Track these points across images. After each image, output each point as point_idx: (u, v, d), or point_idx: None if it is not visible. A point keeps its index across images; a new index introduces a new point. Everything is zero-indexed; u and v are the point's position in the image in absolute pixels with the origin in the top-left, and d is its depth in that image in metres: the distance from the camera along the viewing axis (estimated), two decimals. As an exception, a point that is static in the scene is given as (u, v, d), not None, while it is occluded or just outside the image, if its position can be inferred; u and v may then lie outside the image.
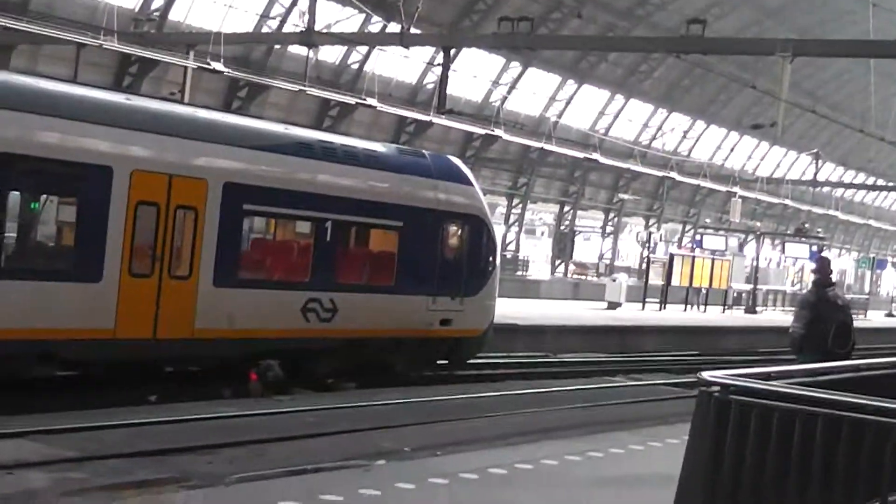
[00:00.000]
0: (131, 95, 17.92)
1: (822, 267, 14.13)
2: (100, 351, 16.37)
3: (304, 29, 30.29)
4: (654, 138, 69.21)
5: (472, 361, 23.79)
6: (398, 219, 20.82)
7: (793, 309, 55.17)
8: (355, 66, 50.42)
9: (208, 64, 31.47)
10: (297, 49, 42.77)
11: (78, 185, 16.13)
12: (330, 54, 49.42)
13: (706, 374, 6.85)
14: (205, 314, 17.46)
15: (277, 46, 46.30)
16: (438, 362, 22.73)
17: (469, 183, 22.76)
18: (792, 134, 69.74)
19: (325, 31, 32.79)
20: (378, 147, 21.77)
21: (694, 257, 48.91)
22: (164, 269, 16.98)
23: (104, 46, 30.98)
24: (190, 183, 17.33)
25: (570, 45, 39.89)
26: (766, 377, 7.23)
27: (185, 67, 32.08)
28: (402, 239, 20.92)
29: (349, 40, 33.43)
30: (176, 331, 17.15)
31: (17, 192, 15.83)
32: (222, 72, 31.90)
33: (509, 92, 58.29)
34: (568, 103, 62.15)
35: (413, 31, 29.86)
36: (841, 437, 6.29)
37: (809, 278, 78.96)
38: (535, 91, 60.32)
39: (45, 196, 16.44)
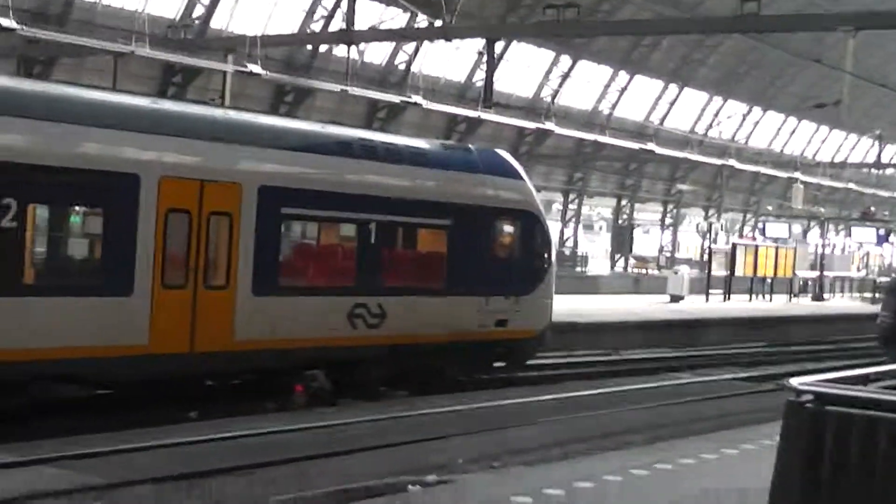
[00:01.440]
0: (157, 99, 16.99)
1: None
2: (134, 368, 15.44)
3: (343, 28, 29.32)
4: (710, 127, 67.74)
5: (530, 363, 22.81)
6: (446, 217, 19.82)
7: (860, 296, 53.90)
8: (402, 67, 49.44)
9: (245, 67, 30.55)
10: (342, 51, 41.92)
11: (103, 194, 15.19)
12: (376, 55, 48.55)
13: (795, 382, 5.69)
14: (244, 325, 16.53)
15: (323, 49, 45.45)
16: (495, 365, 21.69)
17: (519, 177, 21.73)
18: (852, 116, 67.93)
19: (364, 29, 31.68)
20: (421, 143, 20.79)
21: (757, 246, 47.54)
22: (198, 279, 16.04)
23: (138, 54, 30.11)
24: (223, 188, 16.39)
25: (619, 30, 38.42)
26: (864, 380, 6.05)
27: (224, 73, 31.19)
28: (450, 238, 19.92)
29: (389, 36, 32.35)
30: (214, 343, 16.22)
31: (38, 205, 14.85)
32: (260, 75, 30.98)
33: (560, 85, 57.05)
34: (621, 95, 60.92)
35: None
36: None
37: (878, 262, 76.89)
38: (587, 83, 59.09)
39: (68, 208, 15.49)
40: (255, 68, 30.77)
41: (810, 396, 5.54)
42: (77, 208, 15.60)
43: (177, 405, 16.31)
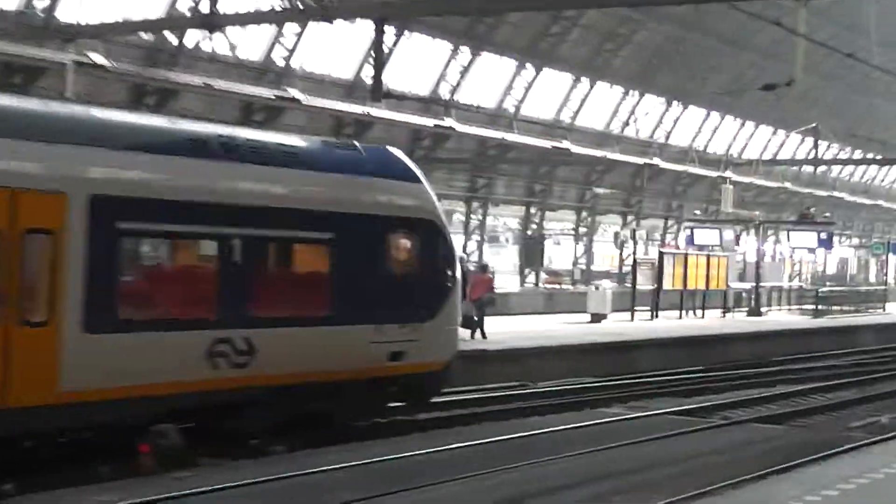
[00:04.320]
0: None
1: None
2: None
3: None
4: (626, 124, 66.40)
5: (435, 401, 20.97)
6: (327, 229, 17.84)
7: (799, 308, 52.88)
8: (282, 64, 47.22)
9: (87, 57, 28.10)
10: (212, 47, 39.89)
11: None
12: (252, 51, 46.36)
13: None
14: (74, 370, 14.32)
15: (191, 45, 43.11)
16: (393, 405, 19.89)
17: (416, 179, 19.89)
18: (780, 110, 67.25)
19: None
20: (296, 141, 18.76)
21: (687, 255, 46.15)
22: (11, 313, 13.74)
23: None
24: (42, 199, 14.17)
25: (533, 4, 35.91)
26: None
27: (65, 65, 28.74)
28: (334, 255, 17.94)
29: (259, 18, 30.13)
30: (34, 395, 13.98)
31: None
32: (105, 67, 28.55)
33: (460, 80, 55.24)
34: (528, 90, 59.23)
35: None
36: None
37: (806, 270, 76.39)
38: (488, 79, 57.35)
39: None
40: (99, 59, 28.33)
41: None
42: None
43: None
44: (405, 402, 19.98)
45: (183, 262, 16.98)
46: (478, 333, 30.18)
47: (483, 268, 32.89)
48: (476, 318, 30.15)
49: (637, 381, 28.24)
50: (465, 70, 55.31)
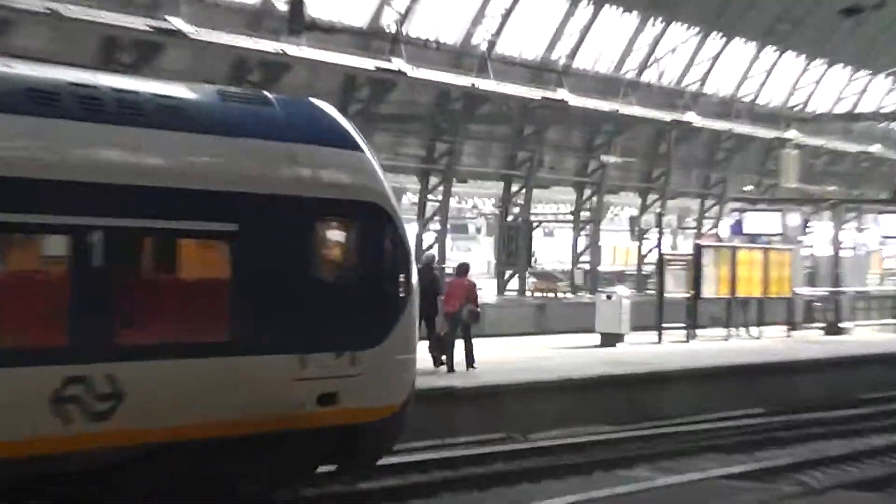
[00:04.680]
0: None
1: None
2: None
3: None
4: (644, 66, 66.68)
5: (382, 462, 21.26)
6: (229, 218, 17.72)
7: (894, 323, 53.21)
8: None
9: None
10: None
11: None
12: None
13: None
14: None
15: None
16: (323, 470, 20.08)
17: (354, 145, 19.83)
18: (862, 44, 67.70)
19: None
20: (181, 92, 18.52)
21: (735, 249, 46.28)
22: None
23: None
24: None
25: None
26: None
27: None
28: (238, 255, 17.82)
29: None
30: None
31: None
32: None
33: (412, 2, 55.41)
34: (505, 19, 59.54)
35: None
36: None
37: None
38: (451, 4, 57.58)
39: None
40: None
41: None
42: None
43: None
44: (340, 464, 20.09)
45: (18, 267, 16.66)
46: (452, 362, 30.33)
47: (462, 269, 32.79)
48: (451, 341, 30.29)
49: (669, 430, 28.75)
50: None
